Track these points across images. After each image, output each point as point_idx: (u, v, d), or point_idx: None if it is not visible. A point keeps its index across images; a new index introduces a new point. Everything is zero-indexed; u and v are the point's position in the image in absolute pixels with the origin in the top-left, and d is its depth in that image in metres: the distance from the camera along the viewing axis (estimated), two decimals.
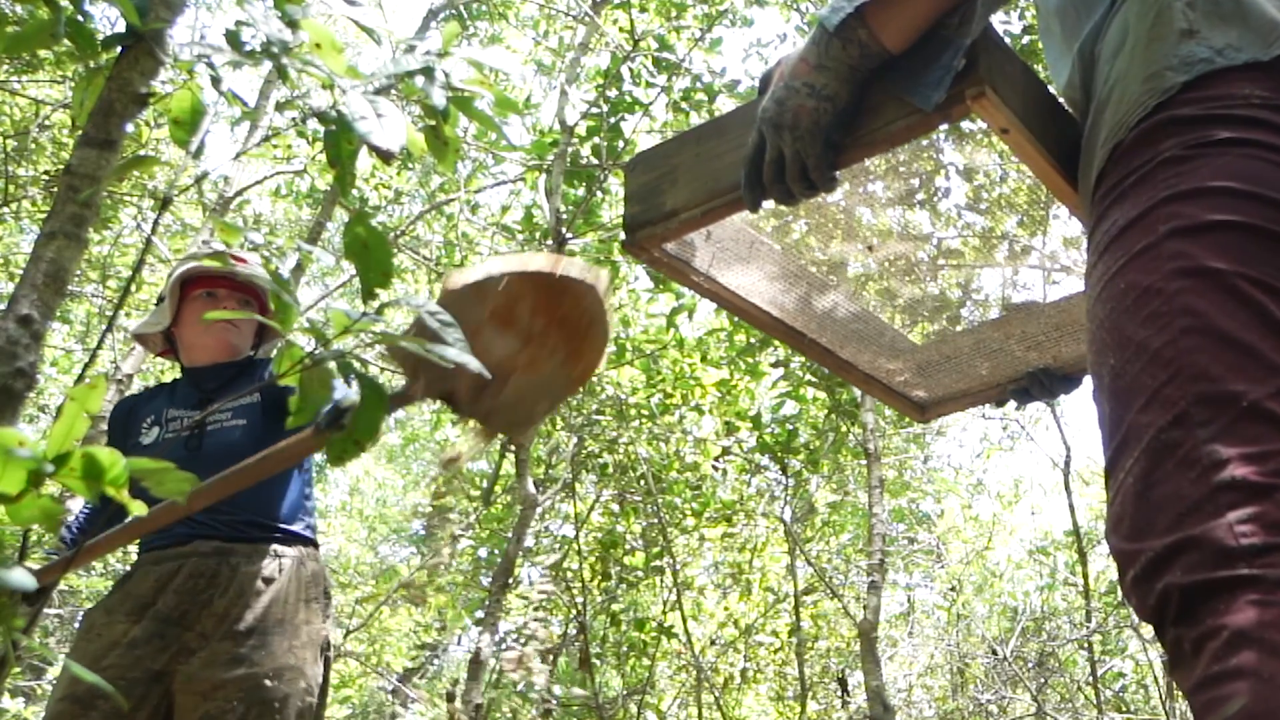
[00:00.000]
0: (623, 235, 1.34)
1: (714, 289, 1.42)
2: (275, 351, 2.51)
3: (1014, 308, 1.62)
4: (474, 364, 1.01)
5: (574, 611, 6.15)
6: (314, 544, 2.37)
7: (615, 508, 6.61)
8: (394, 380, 8.74)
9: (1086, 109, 1.14)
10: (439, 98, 1.31)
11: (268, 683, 2.06)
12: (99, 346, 1.15)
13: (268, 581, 2.18)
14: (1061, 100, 1.22)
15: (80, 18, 1.22)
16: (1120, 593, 0.92)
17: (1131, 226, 0.96)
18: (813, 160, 1.13)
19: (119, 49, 1.16)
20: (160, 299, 2.48)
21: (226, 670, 2.06)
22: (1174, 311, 0.90)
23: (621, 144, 5.60)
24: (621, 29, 6.03)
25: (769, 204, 1.21)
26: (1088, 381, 1.57)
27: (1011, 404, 1.74)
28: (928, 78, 1.08)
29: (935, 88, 1.06)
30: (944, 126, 1.17)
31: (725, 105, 6.24)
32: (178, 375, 2.53)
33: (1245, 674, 0.76)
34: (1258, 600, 0.78)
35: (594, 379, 6.04)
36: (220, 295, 2.41)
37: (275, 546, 2.25)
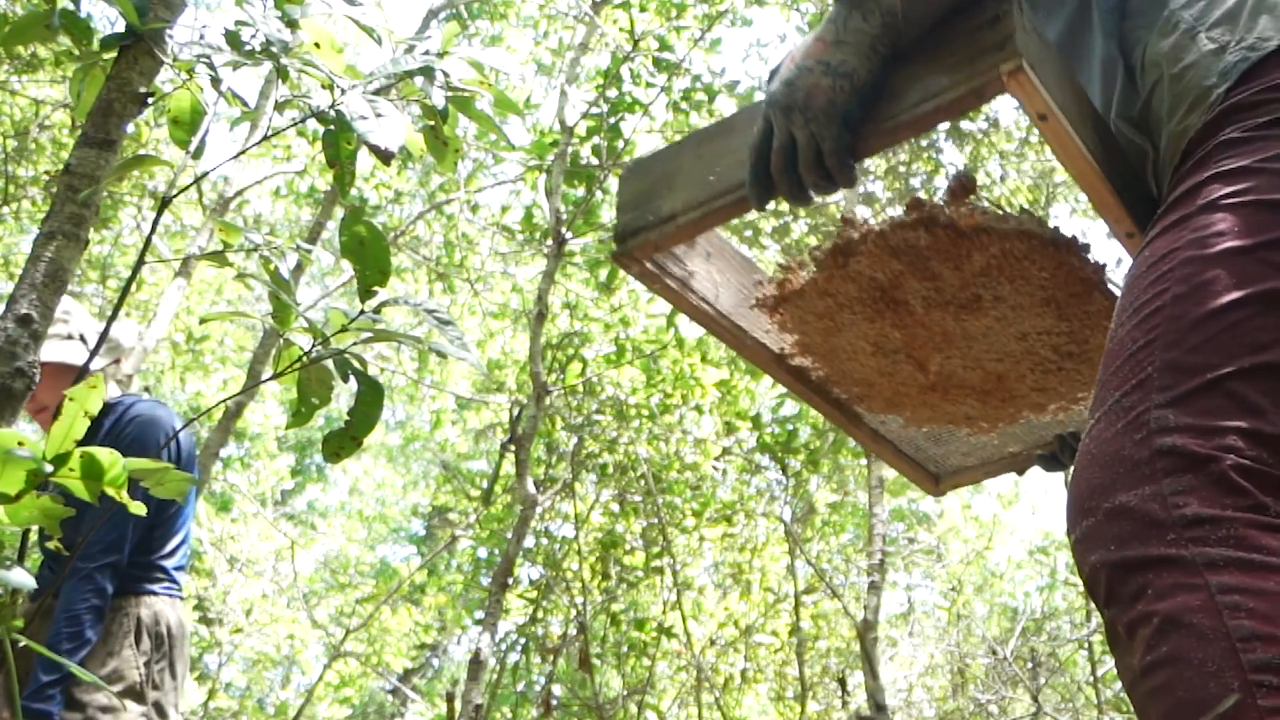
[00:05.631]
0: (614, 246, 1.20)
1: (708, 312, 1.28)
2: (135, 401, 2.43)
3: None
4: (473, 358, 1.01)
5: (574, 611, 6.15)
6: (145, 591, 2.30)
7: (615, 508, 6.61)
8: (392, 379, 8.68)
9: (1153, 158, 1.12)
10: (439, 98, 1.31)
11: None
12: (99, 346, 1.14)
13: None
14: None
15: (75, 11, 1.22)
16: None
17: (1177, 201, 0.96)
18: (828, 144, 1.01)
19: (119, 49, 1.16)
20: None
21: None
22: (1175, 279, 0.90)
23: (621, 144, 5.59)
24: (621, 29, 6.03)
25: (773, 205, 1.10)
26: None
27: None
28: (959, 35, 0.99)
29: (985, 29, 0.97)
30: (971, 111, 1.04)
31: (725, 105, 6.23)
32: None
33: (1178, 662, 0.76)
34: (1184, 584, 0.78)
35: (594, 379, 6.04)
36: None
37: None
